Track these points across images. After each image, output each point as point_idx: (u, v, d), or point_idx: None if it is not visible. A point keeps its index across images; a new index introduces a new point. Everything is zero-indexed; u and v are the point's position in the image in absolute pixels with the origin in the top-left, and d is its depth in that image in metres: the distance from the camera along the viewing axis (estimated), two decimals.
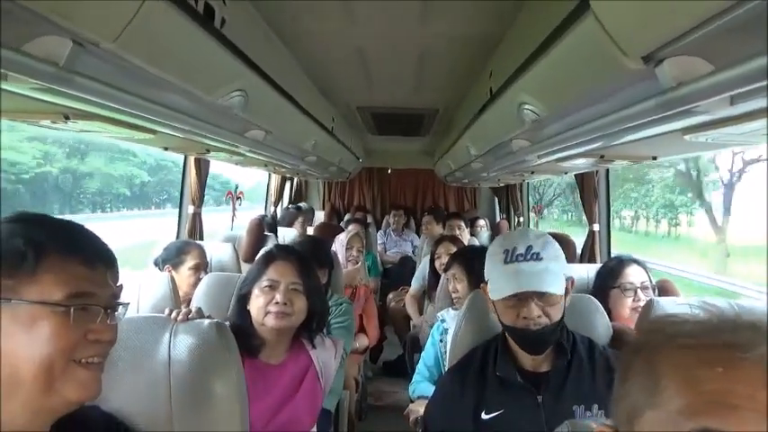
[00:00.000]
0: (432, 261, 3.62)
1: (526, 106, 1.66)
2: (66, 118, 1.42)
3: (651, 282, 2.29)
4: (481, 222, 6.21)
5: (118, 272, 0.96)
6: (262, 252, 3.02)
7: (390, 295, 4.83)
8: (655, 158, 2.12)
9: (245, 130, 2.21)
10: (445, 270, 2.77)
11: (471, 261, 2.57)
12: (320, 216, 7.07)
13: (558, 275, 1.43)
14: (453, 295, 2.67)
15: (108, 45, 1.01)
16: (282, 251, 1.82)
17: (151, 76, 1.27)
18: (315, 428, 1.84)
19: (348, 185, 7.61)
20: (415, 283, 4.10)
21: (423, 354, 2.54)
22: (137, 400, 1.08)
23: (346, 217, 6.82)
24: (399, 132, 4.97)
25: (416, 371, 2.49)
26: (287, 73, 2.22)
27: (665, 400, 0.60)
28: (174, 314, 1.24)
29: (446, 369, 1.87)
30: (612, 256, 3.02)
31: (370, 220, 6.90)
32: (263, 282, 1.73)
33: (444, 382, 1.59)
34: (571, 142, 1.77)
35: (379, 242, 6.44)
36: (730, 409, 0.55)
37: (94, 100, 1.19)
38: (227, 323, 1.75)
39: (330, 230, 4.64)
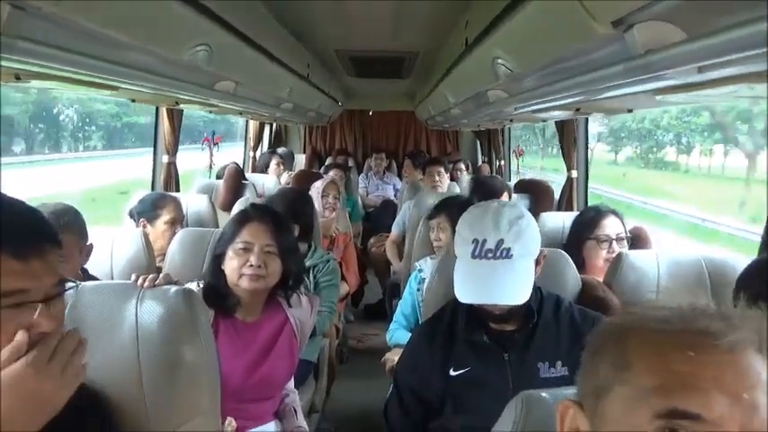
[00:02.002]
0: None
1: (499, 60, 1.61)
2: (18, 78, 1.36)
3: (626, 233, 2.33)
4: (461, 166, 6.19)
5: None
6: (237, 208, 3.01)
7: (372, 240, 4.84)
8: (630, 111, 2.11)
9: (214, 82, 2.13)
10: (429, 218, 2.72)
11: (457, 212, 2.53)
12: (301, 160, 6.95)
13: (527, 273, 1.41)
14: (435, 243, 2.63)
15: (51, 8, 0.95)
16: (258, 211, 1.79)
17: (105, 36, 1.20)
18: (292, 380, 1.90)
19: (329, 129, 7.42)
20: (396, 229, 4.03)
21: (400, 301, 2.55)
22: (106, 369, 1.07)
23: (327, 161, 6.73)
24: (379, 75, 4.82)
25: (394, 318, 2.51)
26: (254, 20, 2.11)
27: (633, 377, 0.62)
28: (140, 281, 1.19)
29: (422, 319, 1.90)
30: (590, 206, 3.04)
31: (351, 163, 6.82)
32: (238, 243, 1.70)
33: (415, 337, 1.63)
34: (546, 97, 1.74)
35: (360, 186, 6.41)
36: (698, 391, 0.58)
37: (45, 63, 1.13)
38: (202, 281, 1.78)
39: (309, 179, 4.49)
